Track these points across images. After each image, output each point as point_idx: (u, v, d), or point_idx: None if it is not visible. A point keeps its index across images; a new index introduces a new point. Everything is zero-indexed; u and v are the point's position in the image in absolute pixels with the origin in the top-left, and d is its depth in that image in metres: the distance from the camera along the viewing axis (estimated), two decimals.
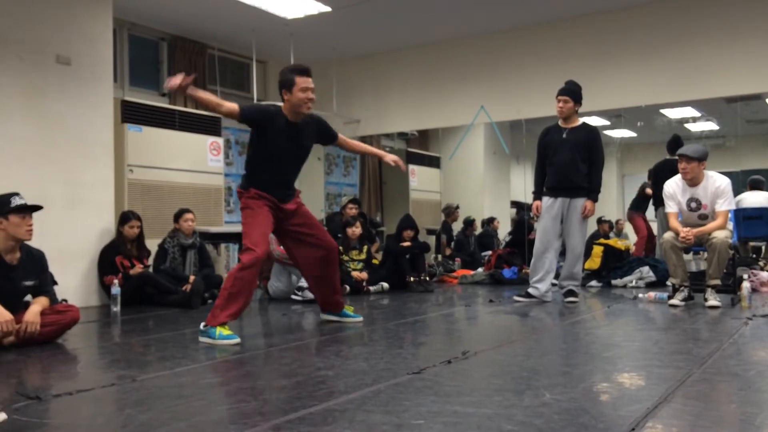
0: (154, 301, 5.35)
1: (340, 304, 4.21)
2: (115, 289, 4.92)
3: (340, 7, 6.69)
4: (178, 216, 5.82)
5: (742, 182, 8.07)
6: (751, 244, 7.39)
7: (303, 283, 5.64)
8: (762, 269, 6.36)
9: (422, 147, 11.12)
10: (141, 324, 4.46)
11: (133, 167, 6.11)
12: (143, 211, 5.86)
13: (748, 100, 9.54)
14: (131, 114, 6.15)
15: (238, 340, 3.46)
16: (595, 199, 5.29)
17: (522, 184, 11.59)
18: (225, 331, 3.48)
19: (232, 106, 3.58)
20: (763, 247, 7.70)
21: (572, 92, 5.28)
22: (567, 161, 5.24)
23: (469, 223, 9.58)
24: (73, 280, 5.35)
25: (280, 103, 3.78)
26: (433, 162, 10.86)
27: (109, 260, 5.44)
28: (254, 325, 4.49)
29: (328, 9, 6.70)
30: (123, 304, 4.99)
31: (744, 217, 6.68)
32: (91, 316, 4.83)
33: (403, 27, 7.53)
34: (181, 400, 2.30)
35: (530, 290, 5.34)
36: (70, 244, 5.34)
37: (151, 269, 5.63)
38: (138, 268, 5.46)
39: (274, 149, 3.70)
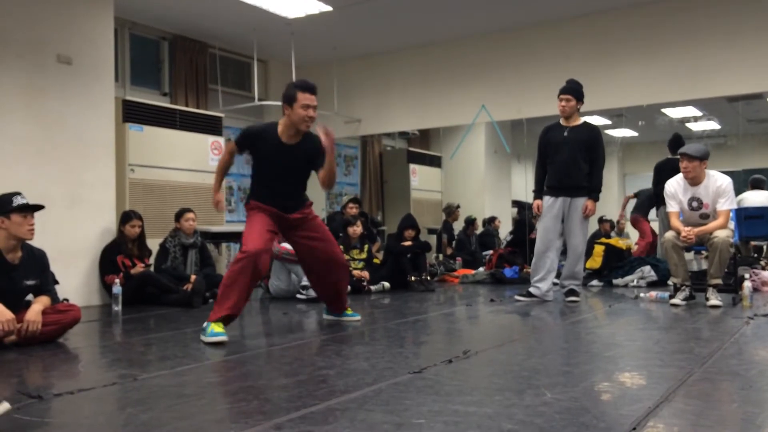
0: (156, 301, 5.36)
1: (343, 307, 4.23)
2: (117, 289, 4.92)
3: (341, 6, 6.68)
4: (179, 215, 5.82)
5: (743, 181, 8.06)
6: (753, 243, 7.38)
7: (306, 281, 5.64)
8: (763, 269, 6.36)
9: (423, 146, 11.12)
10: (142, 323, 4.47)
11: (134, 167, 6.12)
12: (144, 211, 5.86)
13: (749, 100, 9.54)
14: (132, 113, 6.15)
15: (223, 338, 3.39)
16: (596, 199, 5.28)
17: (523, 183, 11.59)
18: (217, 329, 3.43)
19: (229, 147, 3.87)
20: (765, 247, 7.70)
21: (574, 91, 5.28)
22: (568, 160, 5.23)
23: (470, 222, 9.58)
24: (75, 279, 5.35)
25: (280, 120, 3.75)
26: (434, 161, 10.86)
27: (110, 260, 5.44)
28: (255, 324, 4.49)
29: (329, 9, 6.70)
30: (124, 303, 5.00)
31: (745, 217, 6.67)
32: (93, 316, 4.84)
33: (404, 26, 7.53)
34: (183, 400, 2.30)
35: (531, 289, 5.33)
36: (72, 244, 5.35)
37: (152, 269, 5.64)
38: (139, 268, 5.47)
39: (267, 167, 3.74)
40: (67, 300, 4.05)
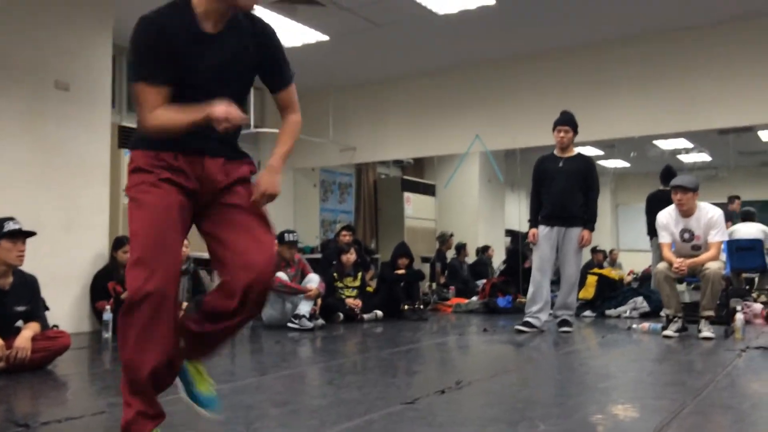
0: None
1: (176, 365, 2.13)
2: (107, 315, 4.88)
3: (337, 36, 6.77)
4: None
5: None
6: (744, 275, 7.40)
7: (299, 311, 5.62)
8: (755, 301, 6.37)
9: (418, 175, 11.18)
10: None
11: None
12: None
13: (740, 132, 9.67)
14: (128, 139, 6.17)
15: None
16: (591, 229, 5.31)
17: (516, 212, 11.64)
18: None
19: (146, 91, 1.93)
20: (756, 279, 7.72)
21: (572, 122, 5.35)
22: (563, 190, 5.27)
23: (460, 248, 9.63)
24: (66, 304, 5.30)
25: None
26: (429, 190, 10.91)
27: (102, 285, 5.40)
28: (247, 352, 4.46)
29: (326, 38, 6.79)
30: (115, 330, 4.95)
31: (737, 248, 6.71)
32: (83, 342, 4.79)
33: (400, 56, 7.62)
34: (172, 429, 2.27)
35: (532, 320, 5.27)
36: (64, 269, 5.31)
37: None
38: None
39: (181, 74, 1.95)
40: (56, 326, 4.02)
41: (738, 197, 9.02)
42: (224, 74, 2.00)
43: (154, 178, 2.00)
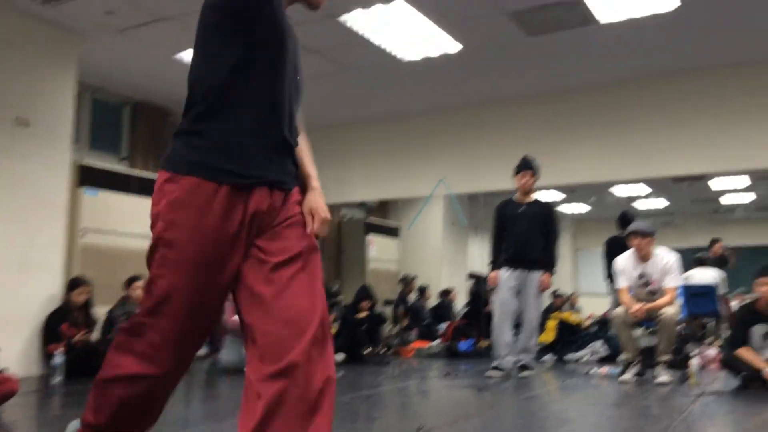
0: None
1: None
2: (58, 359, 4.72)
3: (303, 78, 6.84)
4: (129, 282, 5.68)
5: (690, 260, 8.32)
6: (698, 321, 7.55)
7: None
8: (710, 346, 6.50)
9: (381, 216, 11.23)
10: (83, 396, 4.26)
11: (86, 231, 6.00)
12: (96, 277, 5.70)
13: (692, 181, 10.02)
14: (88, 177, 6.09)
15: None
16: (552, 273, 5.38)
17: (479, 255, 11.74)
18: None
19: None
20: (711, 324, 7.88)
21: (534, 167, 5.47)
22: (526, 233, 5.34)
23: (423, 289, 9.65)
24: (15, 347, 5.12)
25: None
26: (392, 232, 10.94)
27: (54, 328, 5.23)
28: (202, 398, 4.35)
29: None
30: (68, 374, 4.79)
31: (691, 294, 6.86)
32: (31, 387, 4.61)
33: (365, 100, 7.73)
34: None
35: (500, 364, 5.26)
36: (15, 309, 5.14)
37: (99, 337, 5.44)
38: (81, 335, 5.26)
39: (262, 57, 1.65)
40: (5, 370, 3.87)
41: (719, 239, 8.88)
42: (291, 54, 1.71)
43: (210, 238, 1.53)
